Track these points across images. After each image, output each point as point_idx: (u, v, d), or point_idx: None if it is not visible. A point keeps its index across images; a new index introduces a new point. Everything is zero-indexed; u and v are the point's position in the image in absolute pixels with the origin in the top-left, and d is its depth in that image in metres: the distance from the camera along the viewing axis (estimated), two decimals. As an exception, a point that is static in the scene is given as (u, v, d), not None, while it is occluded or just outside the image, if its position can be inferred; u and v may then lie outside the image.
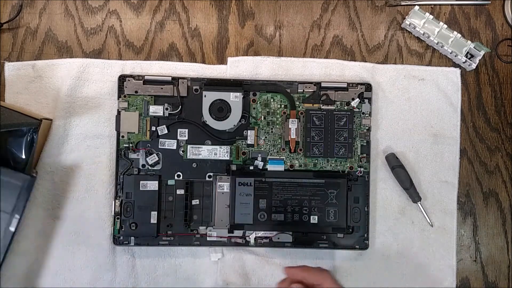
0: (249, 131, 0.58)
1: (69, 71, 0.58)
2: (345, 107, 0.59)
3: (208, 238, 0.57)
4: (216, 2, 0.61)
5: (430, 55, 0.61)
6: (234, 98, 0.57)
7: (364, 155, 0.58)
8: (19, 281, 0.56)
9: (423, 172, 0.60)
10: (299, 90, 0.58)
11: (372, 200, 0.59)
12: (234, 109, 0.57)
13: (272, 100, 0.59)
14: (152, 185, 0.57)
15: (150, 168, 0.57)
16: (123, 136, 0.57)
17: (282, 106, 0.59)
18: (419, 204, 0.58)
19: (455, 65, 0.61)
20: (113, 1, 0.60)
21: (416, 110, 0.60)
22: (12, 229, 0.51)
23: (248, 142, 0.58)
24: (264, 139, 0.58)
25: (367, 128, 0.59)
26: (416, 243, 0.59)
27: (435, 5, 0.62)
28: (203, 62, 0.60)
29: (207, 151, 0.57)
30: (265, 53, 0.61)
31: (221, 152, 0.57)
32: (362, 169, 0.58)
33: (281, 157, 0.58)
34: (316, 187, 0.57)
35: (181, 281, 0.58)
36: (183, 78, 0.58)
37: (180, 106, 0.57)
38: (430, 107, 0.60)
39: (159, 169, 0.57)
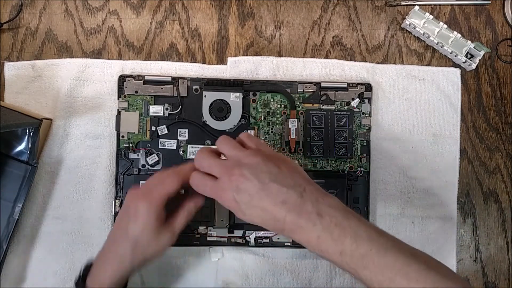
0: (249, 131, 0.58)
1: (69, 71, 0.58)
2: (345, 107, 0.59)
3: (208, 238, 0.57)
4: (216, 2, 0.61)
5: (430, 55, 0.61)
6: (234, 98, 0.57)
7: (364, 155, 0.58)
8: (19, 281, 0.56)
9: (423, 172, 0.60)
10: (299, 90, 0.58)
11: (372, 200, 0.59)
12: (234, 109, 0.57)
13: (272, 100, 0.59)
14: (152, 185, 0.57)
15: (150, 168, 0.57)
16: (123, 136, 0.57)
17: (282, 106, 0.59)
18: None
19: (455, 65, 0.61)
20: (113, 1, 0.60)
21: (416, 110, 0.60)
22: (16, 217, 0.54)
23: (248, 142, 0.58)
24: (264, 139, 0.58)
25: (367, 128, 0.59)
26: (416, 243, 0.58)
27: (435, 5, 0.62)
28: (203, 62, 0.60)
29: (207, 151, 0.57)
30: (265, 53, 0.61)
31: (221, 152, 0.57)
32: (362, 169, 0.58)
33: (281, 157, 0.58)
34: (316, 187, 0.57)
35: (181, 281, 0.58)
36: (183, 78, 0.58)
37: (180, 106, 0.57)
38: (430, 107, 0.60)
39: (159, 169, 0.57)
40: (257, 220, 0.40)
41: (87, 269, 0.47)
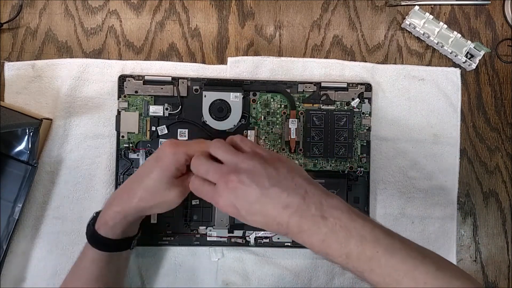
0: (249, 131, 0.58)
1: (69, 71, 0.58)
2: (345, 107, 0.59)
3: (208, 238, 0.57)
4: (216, 2, 0.61)
5: (430, 55, 0.61)
6: (234, 98, 0.57)
7: (364, 155, 0.58)
8: (19, 281, 0.56)
9: (423, 172, 0.60)
10: (299, 90, 0.58)
11: (372, 200, 0.59)
12: (234, 109, 0.57)
13: (272, 100, 0.59)
14: (152, 185, 0.57)
15: (150, 168, 0.57)
16: (123, 136, 0.57)
17: (282, 106, 0.59)
18: None
19: (455, 65, 0.61)
20: (113, 1, 0.60)
21: (416, 110, 0.60)
22: (16, 217, 0.54)
23: (248, 142, 0.58)
24: (264, 139, 0.58)
25: (367, 128, 0.59)
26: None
27: (435, 5, 0.62)
28: (203, 62, 0.60)
29: (207, 151, 0.57)
30: (265, 53, 0.61)
31: (221, 152, 0.57)
32: (362, 169, 0.58)
33: (281, 157, 0.58)
34: (316, 187, 0.57)
35: (181, 281, 0.58)
36: (183, 78, 0.58)
37: (180, 106, 0.57)
38: (430, 107, 0.60)
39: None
40: (259, 225, 0.40)
41: (99, 213, 0.48)
